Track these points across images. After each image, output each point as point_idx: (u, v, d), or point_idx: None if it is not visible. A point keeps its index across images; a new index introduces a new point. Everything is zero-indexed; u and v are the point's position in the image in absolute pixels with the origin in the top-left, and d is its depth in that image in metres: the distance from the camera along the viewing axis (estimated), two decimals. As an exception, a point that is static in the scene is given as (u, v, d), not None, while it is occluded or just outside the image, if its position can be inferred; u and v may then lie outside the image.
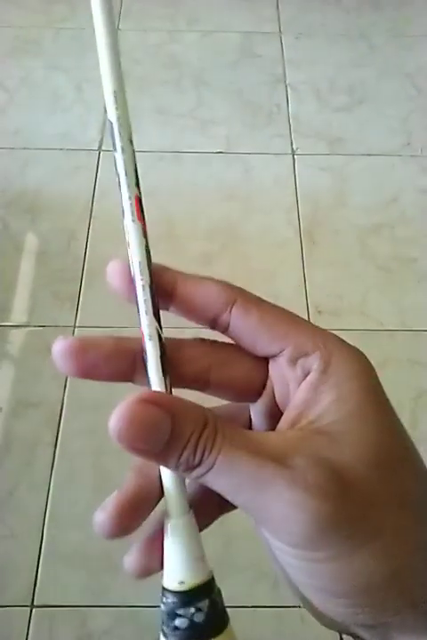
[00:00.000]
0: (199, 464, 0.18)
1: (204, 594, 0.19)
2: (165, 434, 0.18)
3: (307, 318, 1.03)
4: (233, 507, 0.21)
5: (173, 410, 0.18)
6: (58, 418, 0.93)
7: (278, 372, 0.21)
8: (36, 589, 0.81)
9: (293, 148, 1.28)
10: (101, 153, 1.25)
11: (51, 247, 1.13)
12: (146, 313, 0.20)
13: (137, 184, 0.20)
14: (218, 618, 0.19)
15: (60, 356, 0.20)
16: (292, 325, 0.21)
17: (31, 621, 0.79)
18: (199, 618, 0.19)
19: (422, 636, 0.19)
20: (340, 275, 1.10)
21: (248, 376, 0.22)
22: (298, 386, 0.20)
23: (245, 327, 0.21)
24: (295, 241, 1.14)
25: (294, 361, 0.20)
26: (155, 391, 0.20)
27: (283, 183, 1.22)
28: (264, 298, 0.22)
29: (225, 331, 0.21)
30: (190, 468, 0.18)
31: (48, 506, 0.86)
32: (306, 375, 0.20)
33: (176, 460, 0.18)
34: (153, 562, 0.21)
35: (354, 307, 1.06)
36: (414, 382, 0.98)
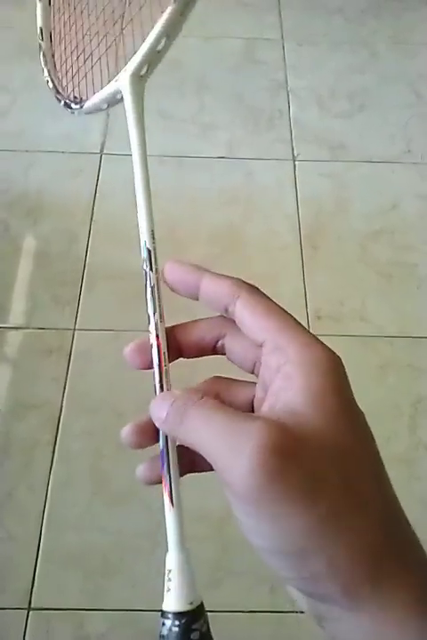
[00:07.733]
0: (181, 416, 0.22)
1: (203, 609, 0.24)
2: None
3: (306, 323, 1.03)
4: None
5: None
6: (57, 420, 0.93)
7: (264, 358, 0.24)
8: (34, 592, 0.81)
9: (294, 154, 1.28)
10: (103, 156, 1.25)
11: (51, 249, 1.13)
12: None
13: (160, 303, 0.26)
14: (208, 625, 0.24)
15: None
16: (275, 320, 0.23)
17: (28, 624, 0.78)
18: (205, 628, 0.23)
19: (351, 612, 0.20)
20: (340, 280, 1.10)
21: (243, 353, 0.25)
22: (275, 373, 0.23)
23: (244, 317, 0.24)
24: (296, 246, 1.14)
25: (272, 350, 0.23)
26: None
27: (284, 188, 1.22)
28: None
29: (234, 318, 0.25)
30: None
31: (46, 508, 0.86)
32: (281, 365, 0.23)
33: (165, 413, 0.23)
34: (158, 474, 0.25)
35: (354, 312, 1.06)
36: (414, 388, 0.98)
